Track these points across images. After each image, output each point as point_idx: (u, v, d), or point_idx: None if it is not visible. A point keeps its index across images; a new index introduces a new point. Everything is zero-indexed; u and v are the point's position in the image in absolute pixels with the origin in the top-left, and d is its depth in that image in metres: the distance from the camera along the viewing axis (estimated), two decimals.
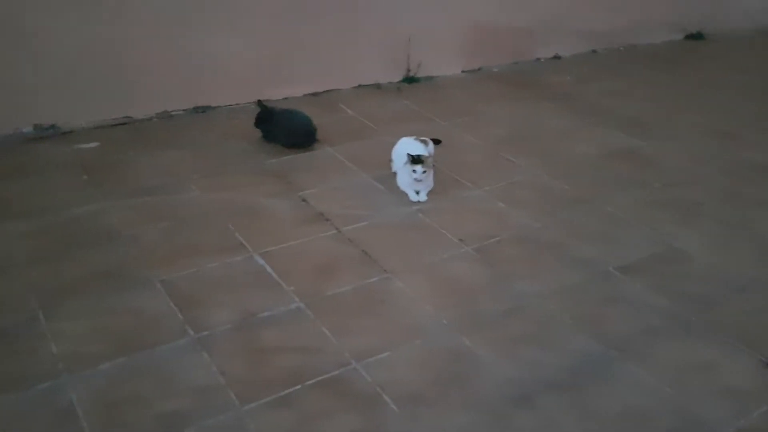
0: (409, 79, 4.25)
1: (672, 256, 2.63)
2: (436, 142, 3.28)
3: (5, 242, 2.52)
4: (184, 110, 3.66)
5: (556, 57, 4.84)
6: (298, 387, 1.94)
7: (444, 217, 2.81)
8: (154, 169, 3.08)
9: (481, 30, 4.39)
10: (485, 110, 3.93)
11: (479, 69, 4.54)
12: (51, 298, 2.24)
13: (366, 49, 4.05)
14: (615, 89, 4.33)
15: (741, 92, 4.38)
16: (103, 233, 2.60)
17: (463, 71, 4.48)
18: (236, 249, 2.54)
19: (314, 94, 3.97)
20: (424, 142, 3.08)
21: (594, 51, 4.99)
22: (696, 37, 5.39)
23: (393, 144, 3.11)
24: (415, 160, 2.83)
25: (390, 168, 3.10)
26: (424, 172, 2.83)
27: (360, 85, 4.13)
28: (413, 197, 2.92)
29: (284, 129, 3.33)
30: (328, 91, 4.02)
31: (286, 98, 3.86)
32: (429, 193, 2.94)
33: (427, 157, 2.90)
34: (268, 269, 2.43)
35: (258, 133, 3.38)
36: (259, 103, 3.40)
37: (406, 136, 3.12)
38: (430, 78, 4.31)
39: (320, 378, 1.97)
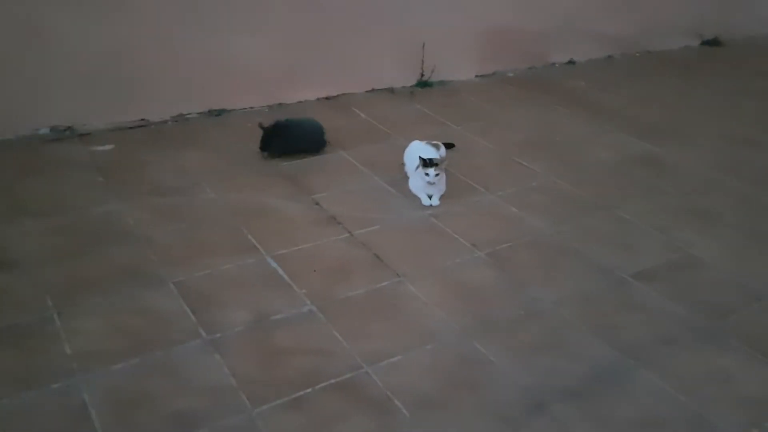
0: (423, 84, 4.25)
1: (689, 264, 2.60)
2: (450, 146, 3.27)
3: (21, 241, 2.54)
4: (199, 113, 3.68)
5: (571, 62, 4.82)
6: (309, 390, 1.94)
7: (457, 221, 2.80)
8: (168, 171, 3.09)
9: (496, 35, 4.38)
10: (499, 115, 3.91)
11: (493, 74, 4.53)
12: (65, 298, 2.25)
13: (380, 54, 4.06)
14: (631, 95, 4.30)
15: (760, 99, 4.33)
16: (117, 234, 2.61)
17: (476, 76, 4.47)
18: (249, 251, 2.54)
19: (328, 98, 3.98)
20: (435, 146, 3.07)
21: (609, 56, 4.97)
22: (712, 43, 5.36)
23: (406, 148, 3.12)
24: (428, 163, 2.83)
25: (402, 171, 3.10)
26: (437, 175, 2.83)
27: (373, 89, 4.14)
28: (426, 201, 2.91)
29: (293, 139, 3.25)
30: (341, 94, 4.03)
31: (300, 102, 3.87)
32: (442, 198, 2.93)
33: (441, 160, 2.90)
34: (281, 271, 2.43)
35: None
36: (261, 126, 3.23)
37: (418, 140, 3.12)
38: (443, 82, 4.31)
39: (331, 381, 1.97)
